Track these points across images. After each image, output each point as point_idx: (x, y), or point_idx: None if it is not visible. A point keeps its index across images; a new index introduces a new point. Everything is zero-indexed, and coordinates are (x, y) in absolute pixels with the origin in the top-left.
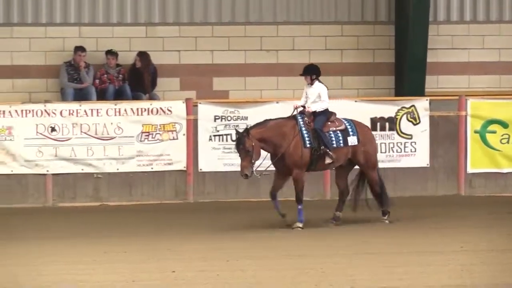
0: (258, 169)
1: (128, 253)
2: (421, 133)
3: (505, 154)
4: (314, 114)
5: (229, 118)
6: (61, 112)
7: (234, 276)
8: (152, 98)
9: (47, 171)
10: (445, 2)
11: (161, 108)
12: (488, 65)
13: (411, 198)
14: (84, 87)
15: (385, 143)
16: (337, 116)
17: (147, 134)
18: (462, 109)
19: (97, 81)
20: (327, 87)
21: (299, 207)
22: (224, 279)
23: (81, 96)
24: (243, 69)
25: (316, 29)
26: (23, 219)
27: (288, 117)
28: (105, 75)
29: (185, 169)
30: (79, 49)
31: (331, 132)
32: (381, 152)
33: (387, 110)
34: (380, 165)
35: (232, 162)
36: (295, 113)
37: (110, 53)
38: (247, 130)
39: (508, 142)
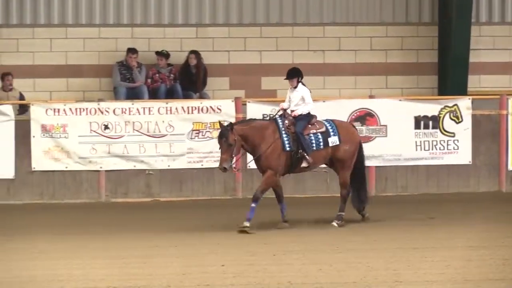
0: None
1: (178, 247)
2: (464, 131)
3: None
4: (296, 117)
5: None
6: (114, 111)
7: (281, 270)
8: (202, 97)
9: (101, 167)
10: (487, 4)
11: (211, 107)
12: None
13: (453, 194)
14: (136, 86)
15: (428, 141)
16: (318, 119)
17: (197, 132)
18: (503, 107)
19: (149, 80)
20: (310, 90)
21: (253, 205)
22: (271, 273)
23: (133, 95)
24: None
25: (361, 30)
26: (77, 214)
27: (270, 120)
28: (157, 75)
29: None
30: (131, 50)
31: (311, 135)
32: (424, 150)
33: (430, 109)
34: (424, 162)
35: None
36: (280, 113)
37: (160, 53)
38: (231, 124)
39: None
